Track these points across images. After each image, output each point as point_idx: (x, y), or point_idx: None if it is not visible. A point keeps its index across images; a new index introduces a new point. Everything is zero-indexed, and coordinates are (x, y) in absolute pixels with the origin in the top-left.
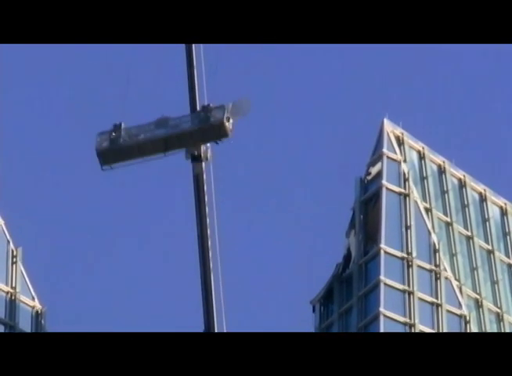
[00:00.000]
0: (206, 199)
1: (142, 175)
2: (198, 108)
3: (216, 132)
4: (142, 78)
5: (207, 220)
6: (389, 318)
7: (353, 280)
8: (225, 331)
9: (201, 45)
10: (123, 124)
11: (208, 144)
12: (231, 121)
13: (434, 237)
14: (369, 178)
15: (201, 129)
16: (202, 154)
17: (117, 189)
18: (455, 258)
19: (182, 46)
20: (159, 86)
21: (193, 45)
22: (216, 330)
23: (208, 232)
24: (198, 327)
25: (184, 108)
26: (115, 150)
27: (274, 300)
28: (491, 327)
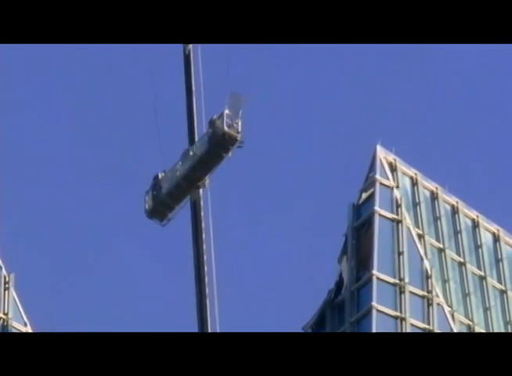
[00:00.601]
0: (203, 225)
1: (137, 201)
2: (197, 123)
3: (226, 141)
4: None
5: (204, 246)
6: None
7: (345, 306)
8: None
9: (199, 52)
10: (159, 174)
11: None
12: (236, 122)
13: (426, 263)
14: (361, 204)
15: (213, 146)
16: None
17: (112, 211)
18: (447, 284)
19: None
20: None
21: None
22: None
23: (205, 258)
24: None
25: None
26: (160, 203)
27: (266, 325)
28: None
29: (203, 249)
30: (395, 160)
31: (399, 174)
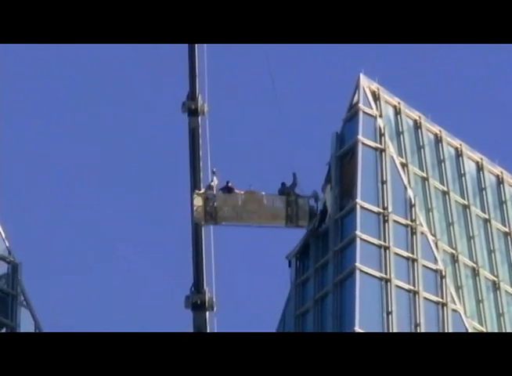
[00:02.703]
0: (201, 153)
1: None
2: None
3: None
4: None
5: (201, 174)
6: (365, 273)
7: (329, 235)
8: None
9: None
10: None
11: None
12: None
13: (410, 192)
14: (344, 132)
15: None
16: (199, 108)
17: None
18: (431, 213)
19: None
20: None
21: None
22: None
23: (201, 185)
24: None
25: None
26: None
27: (251, 255)
28: (466, 282)
29: (200, 177)
30: (378, 88)
31: (382, 103)
